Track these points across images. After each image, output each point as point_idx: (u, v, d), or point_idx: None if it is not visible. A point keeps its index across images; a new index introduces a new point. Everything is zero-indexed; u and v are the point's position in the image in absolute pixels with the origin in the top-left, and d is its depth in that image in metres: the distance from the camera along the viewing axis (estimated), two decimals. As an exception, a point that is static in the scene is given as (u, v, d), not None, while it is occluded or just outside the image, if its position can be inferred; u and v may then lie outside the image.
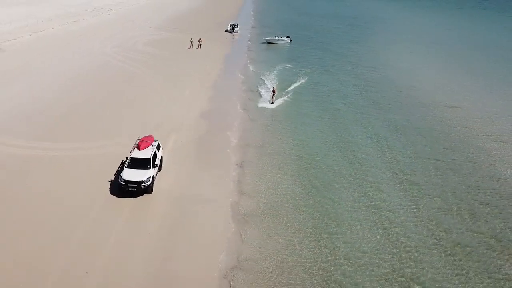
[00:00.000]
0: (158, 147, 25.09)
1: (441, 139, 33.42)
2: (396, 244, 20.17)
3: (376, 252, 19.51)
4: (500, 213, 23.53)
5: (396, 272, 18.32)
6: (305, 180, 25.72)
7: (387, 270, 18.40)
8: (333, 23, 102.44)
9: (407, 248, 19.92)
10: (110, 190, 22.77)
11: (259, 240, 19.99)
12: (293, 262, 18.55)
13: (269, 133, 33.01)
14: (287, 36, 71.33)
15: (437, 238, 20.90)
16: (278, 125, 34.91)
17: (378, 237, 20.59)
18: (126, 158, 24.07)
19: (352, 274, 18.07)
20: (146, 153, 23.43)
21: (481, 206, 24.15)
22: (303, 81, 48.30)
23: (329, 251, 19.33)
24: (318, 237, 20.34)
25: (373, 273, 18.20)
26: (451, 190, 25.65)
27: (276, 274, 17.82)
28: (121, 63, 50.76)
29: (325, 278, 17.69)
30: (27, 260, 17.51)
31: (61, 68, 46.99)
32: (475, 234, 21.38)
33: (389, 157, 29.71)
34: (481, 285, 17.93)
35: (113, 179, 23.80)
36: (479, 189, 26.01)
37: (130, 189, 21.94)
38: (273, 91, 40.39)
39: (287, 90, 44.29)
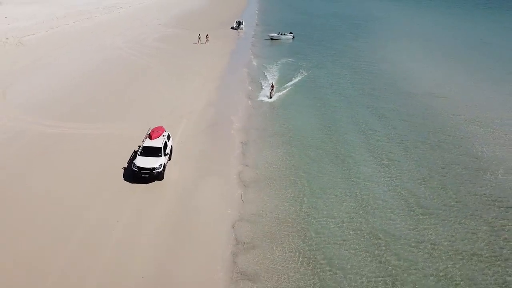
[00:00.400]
0: (168, 137, 26.69)
1: (426, 124, 36.76)
2: (368, 205, 23.62)
3: (351, 211, 23.01)
4: (469, 183, 26.87)
5: (367, 225, 21.77)
6: (296, 157, 29.21)
7: (360, 224, 21.85)
8: (334, 21, 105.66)
9: (378, 208, 23.38)
10: (123, 177, 24.46)
11: (260, 201, 23.52)
12: (285, 217, 22.12)
13: (268, 119, 36.52)
14: (290, 33, 74.76)
15: (405, 200, 24.32)
16: (276, 112, 38.38)
17: (353, 200, 24.08)
18: (139, 146, 25.72)
19: (331, 226, 21.63)
20: (157, 142, 25.06)
21: (453, 177, 27.49)
22: (302, 74, 51.64)
23: (313, 210, 22.85)
24: (304, 200, 23.82)
25: (348, 225, 21.73)
26: (428, 165, 29.03)
27: (273, 224, 21.39)
28: (134, 57, 54.45)
29: (308, 228, 21.35)
30: (52, 225, 21.03)
31: (79, 60, 50.73)
32: (440, 199, 24.73)
33: (372, 138, 33.10)
34: (433, 232, 21.42)
35: (126, 166, 25.53)
36: (454, 164, 29.38)
37: (143, 175, 23.57)
38: (272, 86, 42.43)
39: (287, 82, 47.63)
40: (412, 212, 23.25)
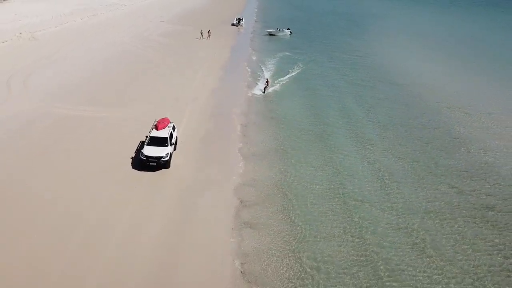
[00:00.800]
0: (174, 128, 28.07)
1: (408, 110, 40.36)
2: (344, 174, 27.18)
3: (330, 178, 26.62)
4: (443, 157, 30.40)
5: (341, 189, 25.28)
6: (287, 136, 32.80)
7: (335, 189, 25.35)
8: (331, 18, 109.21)
9: (352, 176, 26.92)
10: (132, 165, 25.94)
11: (258, 170, 27.07)
12: (279, 180, 25.75)
13: (264, 105, 40.06)
14: (288, 29, 78.31)
15: (378, 171, 27.82)
16: (272, 100, 41.90)
17: (332, 169, 27.66)
18: (146, 137, 27.22)
19: (311, 188, 25.29)
20: (163, 133, 26.50)
21: (428, 153, 31.05)
22: (298, 67, 55.12)
23: (297, 178, 26.34)
24: (293, 168, 27.43)
25: (324, 189, 25.26)
26: (405, 143, 32.58)
27: (269, 188, 24.99)
28: (140, 50, 57.93)
29: (292, 191, 24.95)
30: (66, 197, 24.45)
31: (89, 54, 54.18)
32: (413, 171, 28.20)
33: (355, 122, 36.77)
34: (400, 196, 24.86)
35: (133, 156, 26.92)
36: (432, 142, 32.98)
37: (150, 164, 24.98)
38: (267, 82, 44.42)
39: (283, 75, 51.04)
40: (382, 180, 26.65)
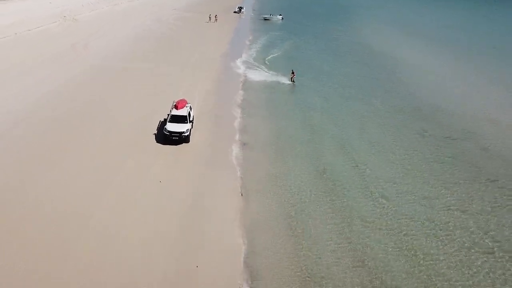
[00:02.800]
0: (191, 108, 31.26)
1: (388, 85, 55.59)
2: (322, 135, 34.65)
3: (308, 139, 34.15)
4: (420, 119, 45.43)
5: (314, 143, 40.46)
6: (274, 100, 48.03)
7: (310, 149, 38.74)
8: (321, 8, 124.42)
9: (321, 129, 42.07)
10: (156, 139, 28.85)
11: (255, 135, 42.00)
12: (267, 134, 40.96)
13: (260, 65, 55.41)
14: (280, 15, 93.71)
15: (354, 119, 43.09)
16: (263, 62, 57.26)
17: (310, 131, 33.59)
18: (168, 115, 30.28)
19: (297, 145, 39.19)
20: (183, 112, 29.59)
21: (393, 115, 46.29)
22: (285, 42, 70.45)
23: (283, 130, 41.55)
24: (275, 122, 42.70)
25: (307, 147, 39.24)
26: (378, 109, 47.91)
27: (263, 150, 32.86)
28: (162, 30, 73.25)
29: (283, 153, 30.81)
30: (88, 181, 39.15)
31: (124, 31, 69.44)
32: (377, 135, 43.44)
33: (330, 83, 51.87)
34: (370, 162, 32.35)
35: (156, 133, 29.82)
36: (409, 99, 48.25)
37: (173, 138, 28.13)
38: (293, 73, 47.03)
39: (274, 47, 66.31)
40: (341, 144, 39.29)
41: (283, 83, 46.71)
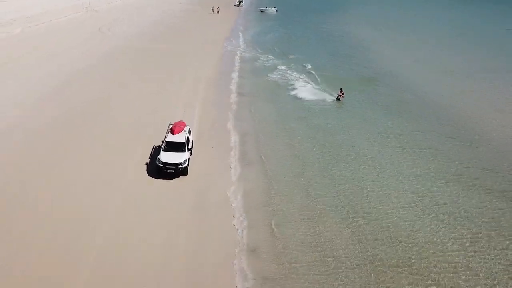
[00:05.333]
0: (190, 132, 26.89)
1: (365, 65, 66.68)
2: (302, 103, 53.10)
3: (291, 110, 52.67)
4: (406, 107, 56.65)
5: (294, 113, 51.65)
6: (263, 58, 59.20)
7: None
8: (315, 3, 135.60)
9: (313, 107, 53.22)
10: (147, 171, 24.59)
11: (250, 105, 53.21)
12: (267, 115, 52.11)
13: (256, 45, 66.60)
14: (274, 7, 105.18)
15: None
16: (257, 41, 68.41)
17: (291, 102, 52.48)
18: (162, 142, 26.28)
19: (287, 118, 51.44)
20: (180, 137, 25.24)
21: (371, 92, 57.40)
22: (278, 29, 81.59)
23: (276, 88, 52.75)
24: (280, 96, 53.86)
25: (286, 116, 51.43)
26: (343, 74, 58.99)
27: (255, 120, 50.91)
28: (171, 19, 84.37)
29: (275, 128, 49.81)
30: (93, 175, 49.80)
31: (140, 19, 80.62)
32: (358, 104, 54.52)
33: (316, 59, 63.06)
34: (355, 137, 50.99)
35: (148, 162, 25.58)
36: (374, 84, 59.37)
37: (168, 171, 23.69)
38: (341, 92, 40.39)
39: (267, 33, 77.37)
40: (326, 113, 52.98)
41: (270, 58, 57.80)
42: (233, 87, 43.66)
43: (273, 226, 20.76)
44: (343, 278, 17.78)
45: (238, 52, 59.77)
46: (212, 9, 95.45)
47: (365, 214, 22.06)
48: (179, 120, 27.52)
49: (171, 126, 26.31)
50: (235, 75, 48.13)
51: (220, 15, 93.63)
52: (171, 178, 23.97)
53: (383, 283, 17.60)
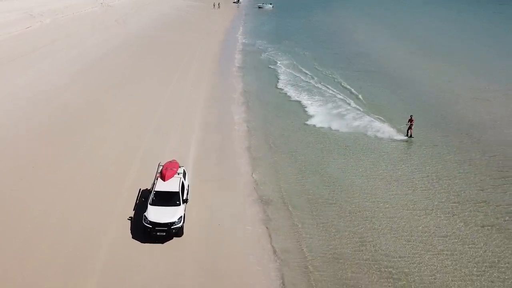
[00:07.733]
0: (184, 174, 20.72)
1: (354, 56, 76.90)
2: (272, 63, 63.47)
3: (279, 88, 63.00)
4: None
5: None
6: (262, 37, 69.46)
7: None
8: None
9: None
10: (132, 234, 18.63)
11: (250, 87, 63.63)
12: (267, 104, 62.47)
13: (253, 34, 76.89)
14: (270, 3, 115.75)
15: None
16: (256, 33, 78.71)
17: (272, 72, 63.58)
18: (149, 191, 19.80)
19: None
20: (173, 185, 19.12)
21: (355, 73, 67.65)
22: (272, 23, 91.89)
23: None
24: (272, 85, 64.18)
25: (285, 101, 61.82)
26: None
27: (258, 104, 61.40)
28: (178, 13, 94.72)
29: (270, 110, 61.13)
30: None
31: (151, 12, 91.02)
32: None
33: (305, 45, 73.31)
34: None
35: (132, 217, 19.64)
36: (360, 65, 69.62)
37: (158, 234, 17.80)
38: (411, 121, 30.77)
39: (262, 26, 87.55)
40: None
41: (263, 43, 68.10)
42: (237, 63, 54.70)
43: None
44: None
45: (236, 39, 70.26)
46: (213, 5, 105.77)
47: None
48: (171, 160, 21.10)
49: (161, 169, 20.19)
50: (238, 56, 58.64)
51: (220, 10, 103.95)
52: (162, 242, 18.11)
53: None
